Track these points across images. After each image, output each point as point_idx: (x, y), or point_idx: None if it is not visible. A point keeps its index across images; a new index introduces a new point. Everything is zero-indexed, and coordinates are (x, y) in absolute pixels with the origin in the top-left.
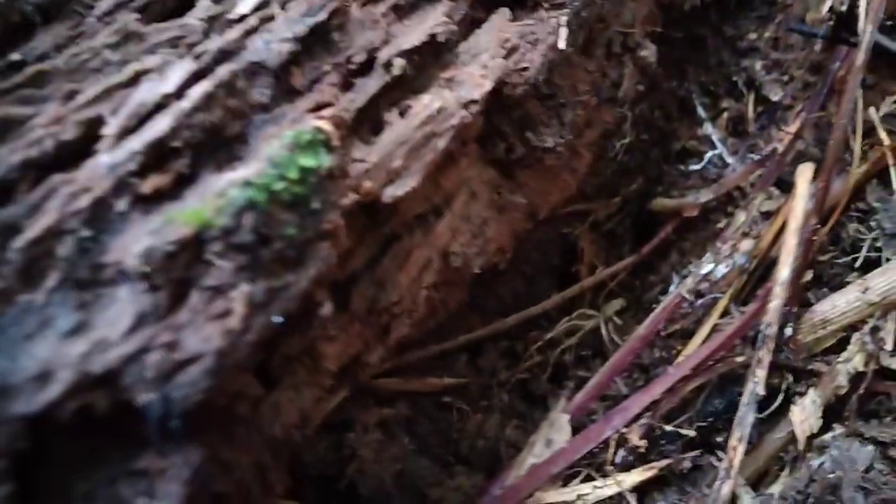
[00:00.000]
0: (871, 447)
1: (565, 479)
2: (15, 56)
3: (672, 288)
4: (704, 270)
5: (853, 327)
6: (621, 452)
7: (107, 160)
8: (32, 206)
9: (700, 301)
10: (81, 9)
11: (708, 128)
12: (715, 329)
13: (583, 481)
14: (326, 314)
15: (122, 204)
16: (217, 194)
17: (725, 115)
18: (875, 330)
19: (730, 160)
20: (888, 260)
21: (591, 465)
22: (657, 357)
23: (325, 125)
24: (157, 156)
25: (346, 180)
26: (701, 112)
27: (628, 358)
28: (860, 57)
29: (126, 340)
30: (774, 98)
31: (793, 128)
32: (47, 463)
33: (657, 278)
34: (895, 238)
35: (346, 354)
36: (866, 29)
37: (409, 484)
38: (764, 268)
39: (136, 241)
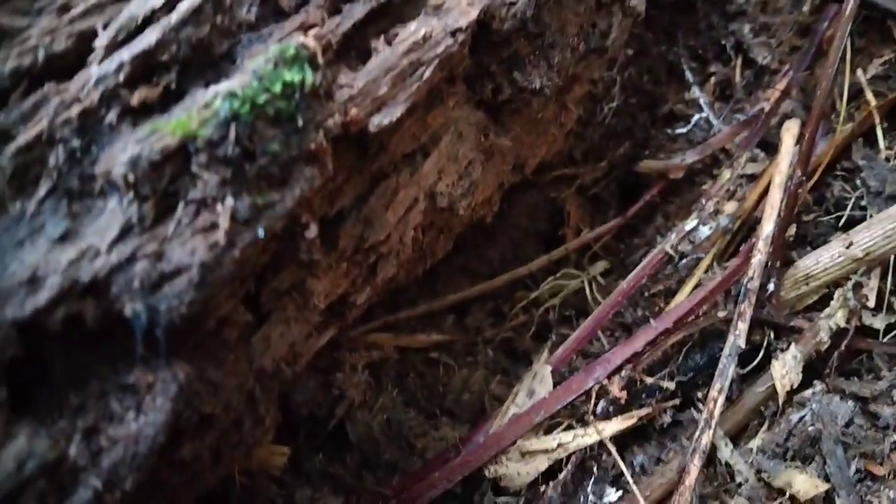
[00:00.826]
0: (851, 402)
1: (547, 428)
2: None
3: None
4: (688, 227)
5: (836, 283)
6: (602, 403)
7: (96, 71)
8: (24, 113)
9: (683, 261)
10: None
11: (695, 91)
12: (698, 287)
13: (563, 430)
14: (312, 237)
15: (111, 115)
16: (202, 106)
17: (713, 79)
18: (858, 286)
19: (716, 123)
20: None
21: (573, 416)
22: (640, 315)
23: (310, 41)
24: (145, 69)
25: (331, 102)
26: (689, 76)
27: (611, 313)
28: (849, 6)
29: (113, 249)
30: (762, 61)
31: (780, 87)
32: (41, 376)
33: (642, 241)
34: (880, 196)
35: (333, 292)
36: None
37: (396, 433)
38: (748, 229)
39: (124, 152)
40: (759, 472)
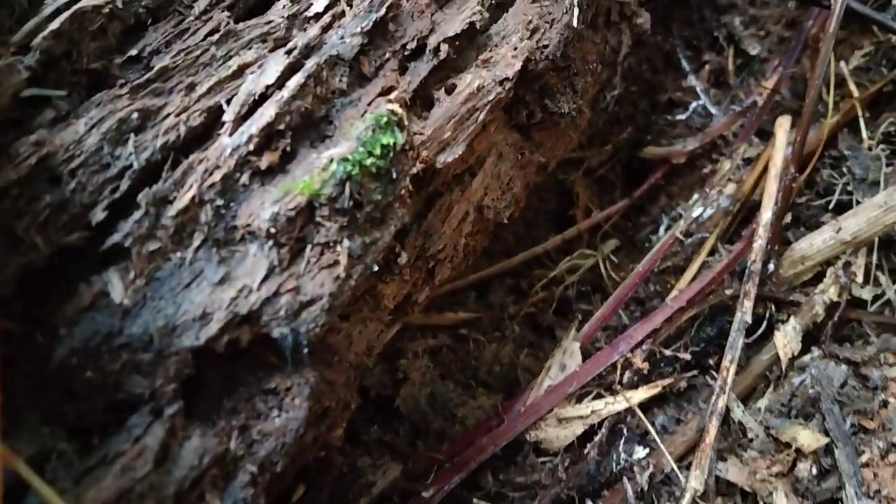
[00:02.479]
0: (844, 366)
1: (578, 397)
2: (133, 51)
3: (661, 228)
4: (694, 213)
5: (828, 263)
6: (627, 374)
7: (230, 142)
8: (176, 181)
9: (689, 240)
10: (182, 9)
11: (692, 80)
12: (704, 265)
13: (594, 399)
14: (403, 262)
15: (244, 177)
16: (321, 169)
17: (707, 67)
18: (847, 265)
19: (713, 110)
20: (859, 203)
21: (601, 385)
22: (651, 290)
23: (397, 108)
24: (267, 137)
25: (412, 151)
26: (685, 65)
27: (629, 292)
28: (833, 24)
29: (262, 287)
30: (752, 52)
31: (771, 82)
32: (202, 387)
33: (647, 219)
34: (864, 182)
35: (399, 294)
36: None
37: (440, 405)
38: (746, 209)
39: (262, 208)
40: (767, 428)
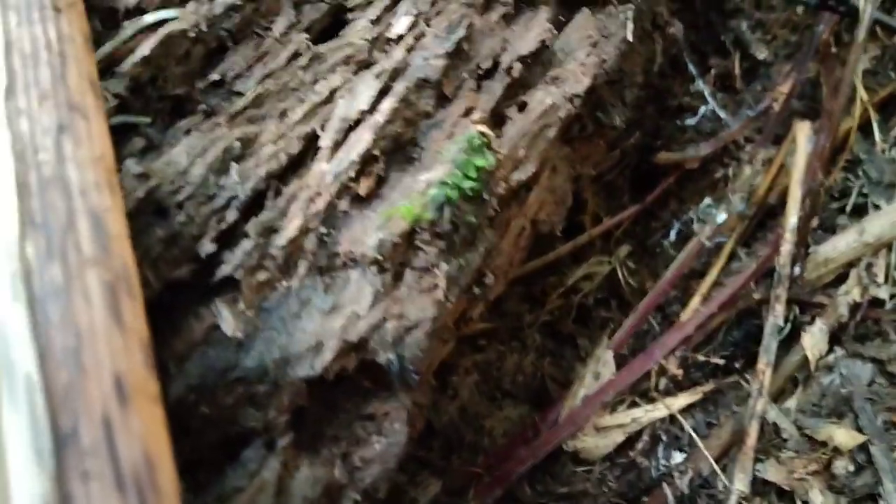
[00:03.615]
0: (870, 365)
1: (613, 406)
2: (214, 76)
3: (673, 233)
4: (719, 219)
5: (850, 264)
6: (662, 381)
7: (330, 169)
8: (280, 210)
9: (707, 244)
10: (260, 31)
11: (700, 84)
12: (724, 270)
13: (629, 407)
14: (490, 283)
15: (344, 204)
16: (420, 193)
17: (714, 71)
18: (869, 266)
19: (722, 114)
20: (876, 206)
21: (635, 393)
22: (672, 296)
23: (486, 129)
24: (363, 163)
25: (500, 172)
26: (692, 69)
27: (658, 299)
28: (861, 33)
29: (370, 314)
30: (760, 56)
31: (785, 87)
32: (305, 416)
33: (658, 224)
34: (880, 185)
35: (458, 311)
36: (866, 8)
37: (470, 416)
38: (762, 213)
39: (366, 234)
40: (800, 428)
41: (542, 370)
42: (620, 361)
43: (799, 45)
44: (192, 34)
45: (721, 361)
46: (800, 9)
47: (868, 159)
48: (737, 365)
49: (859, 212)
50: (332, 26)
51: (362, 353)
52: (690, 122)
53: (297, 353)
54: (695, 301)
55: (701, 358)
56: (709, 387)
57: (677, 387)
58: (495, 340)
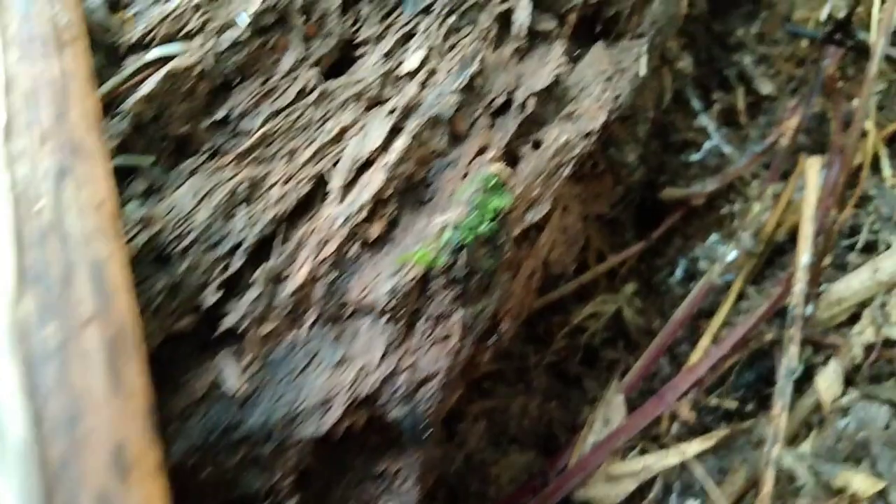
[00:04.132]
0: (886, 407)
1: (624, 451)
2: (220, 113)
3: (679, 270)
4: (729, 258)
5: (863, 304)
6: (674, 426)
7: (341, 211)
8: (288, 255)
9: (717, 283)
10: (268, 66)
11: (703, 119)
12: (733, 308)
13: (640, 453)
14: (505, 329)
15: (354, 248)
16: (434, 237)
17: (717, 106)
18: (882, 305)
19: (726, 150)
20: (887, 244)
21: (646, 438)
22: (680, 336)
23: (502, 168)
24: (375, 204)
25: (516, 213)
26: (695, 104)
27: (668, 340)
28: (872, 69)
29: (381, 366)
30: (764, 91)
31: (792, 122)
32: (311, 476)
33: (663, 261)
34: (890, 221)
35: (482, 350)
36: (879, 42)
37: (475, 463)
38: (771, 251)
39: (378, 281)
40: (816, 474)
41: (549, 414)
42: (630, 405)
43: (804, 79)
44: (196, 70)
45: (734, 405)
46: (804, 43)
47: (878, 195)
48: (750, 407)
49: (870, 249)
50: (341, 61)
51: (372, 409)
52: (695, 157)
53: (303, 411)
54: (705, 341)
55: (713, 401)
56: (722, 432)
57: (690, 431)
58: (501, 383)
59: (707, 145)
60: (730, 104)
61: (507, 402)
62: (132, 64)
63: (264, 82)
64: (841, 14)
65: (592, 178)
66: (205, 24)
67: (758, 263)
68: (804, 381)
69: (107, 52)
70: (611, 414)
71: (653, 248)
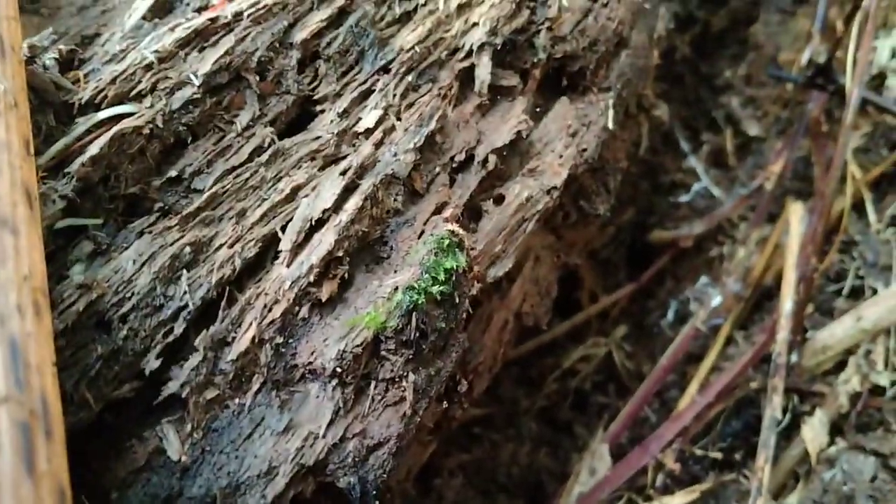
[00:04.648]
0: (873, 458)
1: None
2: (172, 172)
3: (670, 312)
4: (714, 303)
5: (849, 352)
6: (659, 476)
7: (289, 274)
8: (234, 320)
9: (703, 326)
10: (222, 125)
11: (692, 161)
12: (722, 354)
13: None
14: (464, 391)
15: (304, 311)
16: (385, 299)
17: (706, 148)
18: (868, 353)
19: (715, 192)
20: (873, 289)
21: (632, 489)
22: (669, 381)
23: (457, 228)
24: (326, 265)
25: (472, 273)
26: (684, 146)
27: (654, 387)
28: (849, 115)
29: (328, 433)
30: (752, 132)
31: (777, 166)
32: None
33: (655, 303)
34: (875, 267)
35: (438, 412)
36: (853, 89)
37: None
38: (759, 294)
39: (325, 345)
40: None
41: (539, 461)
42: (619, 451)
43: (790, 121)
44: (146, 130)
45: (719, 455)
46: (789, 85)
47: (863, 240)
48: (737, 457)
49: (856, 294)
50: (300, 119)
51: (320, 477)
52: (684, 199)
53: (247, 480)
54: (692, 388)
55: (699, 452)
56: (707, 484)
57: (675, 482)
58: (490, 428)
59: (696, 187)
60: (718, 146)
61: (497, 449)
62: (83, 124)
63: (218, 141)
64: (821, 58)
65: (566, 228)
66: (156, 83)
67: (745, 308)
68: (792, 431)
69: (59, 111)
70: (596, 464)
71: (644, 289)
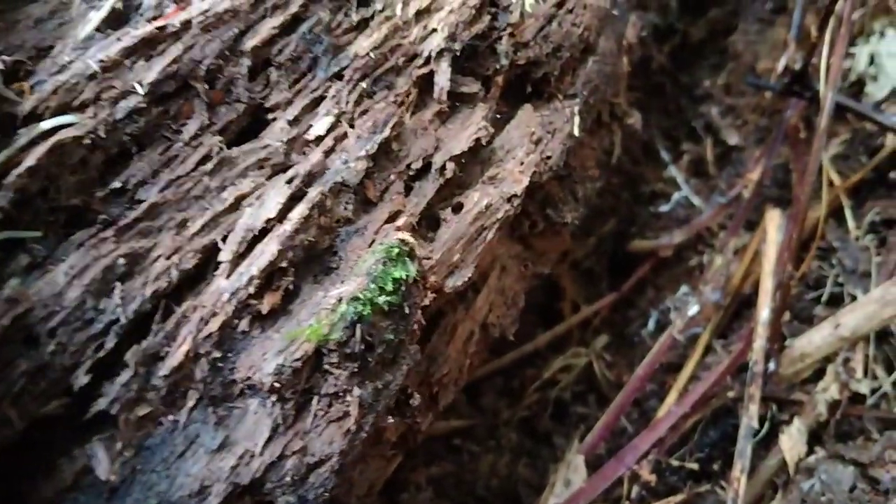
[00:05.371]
0: (852, 468)
1: None
2: (116, 183)
3: (651, 322)
4: (691, 312)
5: (827, 359)
6: (635, 488)
7: (228, 286)
8: (168, 334)
9: (682, 335)
10: (170, 134)
11: (672, 170)
12: (700, 363)
13: None
14: (417, 405)
15: (243, 324)
16: (329, 310)
17: (686, 157)
18: (846, 361)
19: (695, 201)
20: (851, 295)
21: (607, 501)
22: (649, 390)
23: (408, 237)
24: (268, 276)
25: (423, 282)
26: (665, 156)
27: (630, 398)
28: (823, 121)
29: (266, 451)
30: (731, 141)
31: (755, 174)
32: None
33: (636, 313)
34: (855, 274)
35: (402, 426)
36: (827, 95)
37: None
38: (738, 302)
39: (264, 359)
40: None
41: (517, 473)
42: (597, 462)
43: (770, 129)
44: (87, 141)
45: (696, 466)
46: (768, 94)
47: (842, 247)
48: (714, 467)
49: (835, 301)
50: (251, 128)
51: (258, 497)
52: (664, 208)
53: (178, 500)
54: (671, 398)
55: (675, 463)
56: (682, 496)
57: (651, 494)
58: (471, 440)
59: (676, 196)
60: (699, 155)
61: (477, 460)
62: (25, 135)
63: (165, 151)
64: (797, 65)
65: (534, 237)
66: (100, 93)
67: (725, 316)
68: (770, 440)
69: (3, 124)
70: (571, 476)
71: (626, 299)
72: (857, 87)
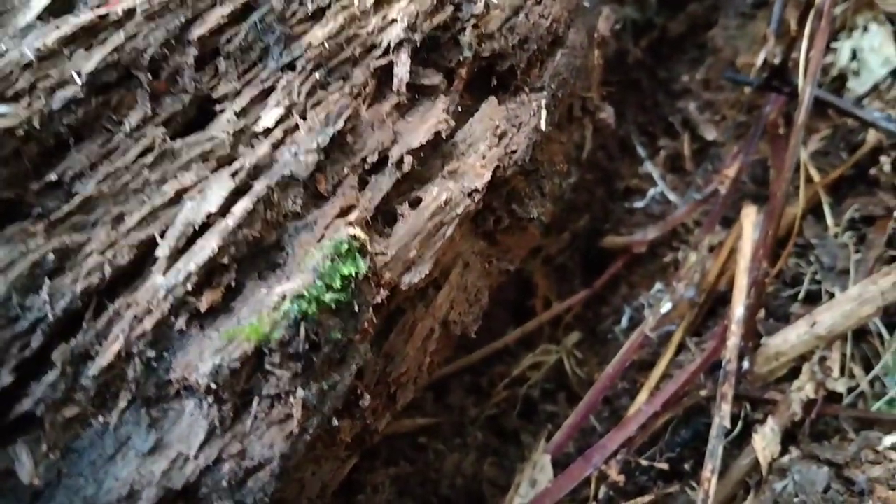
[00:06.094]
0: (826, 469)
1: None
2: (52, 176)
3: (624, 319)
4: (663, 309)
5: (803, 358)
6: (602, 488)
7: (164, 282)
8: (99, 332)
9: (655, 333)
10: (110, 125)
11: (648, 166)
12: (673, 362)
13: None
14: (366, 406)
15: (180, 322)
16: (272, 308)
17: (663, 153)
18: (822, 360)
19: (671, 197)
20: (829, 292)
21: (574, 502)
22: (620, 389)
23: (359, 232)
24: (208, 273)
25: (375, 279)
26: (641, 151)
27: (599, 396)
28: (802, 115)
29: (201, 454)
30: (709, 137)
31: (732, 170)
32: None
33: (609, 310)
34: (833, 271)
35: (357, 426)
36: (806, 89)
37: None
38: (712, 300)
39: (201, 359)
40: None
41: (483, 472)
42: (566, 462)
43: (748, 125)
44: (19, 132)
45: (666, 466)
46: (747, 89)
47: (820, 244)
48: (686, 467)
49: (813, 299)
50: (198, 119)
51: (192, 502)
52: (639, 204)
53: None
54: (642, 397)
55: (645, 462)
56: (651, 497)
57: (620, 494)
58: (436, 438)
59: (651, 192)
60: (675, 151)
61: (442, 459)
62: None
63: (104, 143)
64: (776, 60)
65: (500, 233)
66: (35, 83)
67: (699, 314)
68: (743, 440)
69: None
70: (537, 475)
71: (599, 295)
72: (838, 83)
